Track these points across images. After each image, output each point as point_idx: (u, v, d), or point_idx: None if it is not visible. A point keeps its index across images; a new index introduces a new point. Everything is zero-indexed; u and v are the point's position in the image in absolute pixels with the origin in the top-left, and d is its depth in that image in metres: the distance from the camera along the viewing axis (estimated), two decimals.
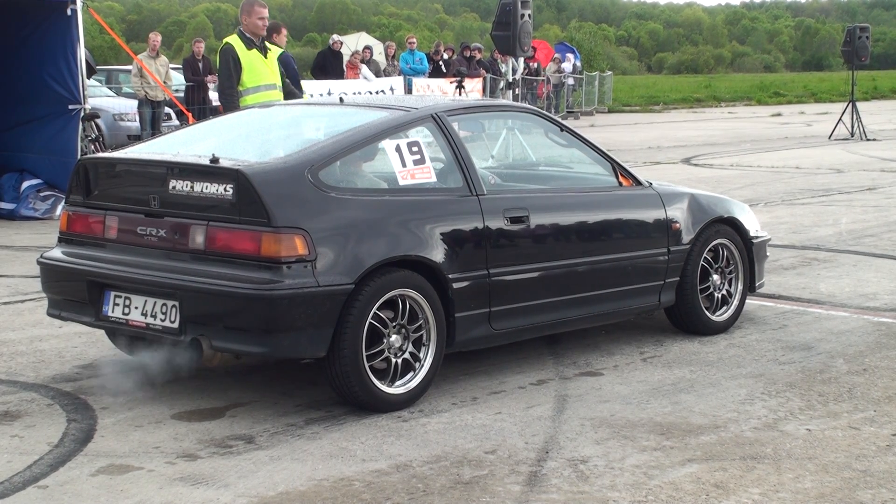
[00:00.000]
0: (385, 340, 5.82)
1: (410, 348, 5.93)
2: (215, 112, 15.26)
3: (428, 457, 5.18)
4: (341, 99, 7.16)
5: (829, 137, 25.34)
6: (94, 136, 13.44)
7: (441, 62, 26.48)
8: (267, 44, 10.38)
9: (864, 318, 7.96)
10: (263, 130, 6.82)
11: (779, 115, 37.10)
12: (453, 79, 24.31)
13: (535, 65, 30.11)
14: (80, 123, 13.10)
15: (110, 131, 19.88)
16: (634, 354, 6.98)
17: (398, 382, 5.87)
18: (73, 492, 4.75)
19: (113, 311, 6.04)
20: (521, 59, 19.08)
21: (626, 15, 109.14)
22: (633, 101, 45.21)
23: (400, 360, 5.89)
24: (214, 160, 5.71)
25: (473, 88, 25.53)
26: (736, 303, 7.66)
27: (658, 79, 72.04)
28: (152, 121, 20.50)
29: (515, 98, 18.15)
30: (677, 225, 7.28)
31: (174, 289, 5.73)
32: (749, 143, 24.96)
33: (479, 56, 28.00)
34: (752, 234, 7.75)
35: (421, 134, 6.38)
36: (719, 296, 7.57)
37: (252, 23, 10.13)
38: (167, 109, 21.14)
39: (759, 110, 41.79)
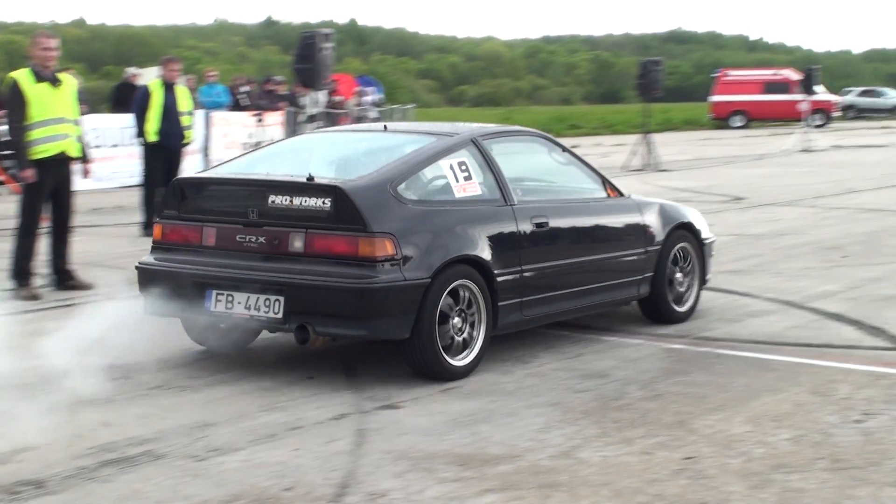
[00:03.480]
0: (450, 323, 7.11)
1: (468, 329, 7.25)
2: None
3: (225, 496, 5.11)
4: (385, 126, 8.80)
5: (624, 168, 26.05)
6: None
7: (241, 95, 26.26)
8: (60, 75, 10.14)
9: (656, 345, 8.20)
10: (330, 153, 8.27)
11: (576, 146, 37.94)
12: (253, 112, 24.13)
13: (338, 98, 30.13)
14: None
15: None
16: (433, 386, 7.02)
17: (459, 357, 7.19)
18: None
19: (216, 307, 7.20)
20: (323, 92, 19.08)
21: (427, 48, 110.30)
22: None
23: (460, 339, 7.20)
24: (311, 178, 6.98)
25: (274, 122, 25.38)
26: (694, 296, 9.09)
27: (459, 111, 72.97)
28: None
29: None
30: (651, 229, 8.73)
31: (280, 285, 6.92)
32: None
33: (280, 89, 27.88)
34: (703, 235, 9.22)
35: (465, 154, 7.70)
36: (682, 290, 8.95)
37: (38, 54, 9.91)
38: None
39: None
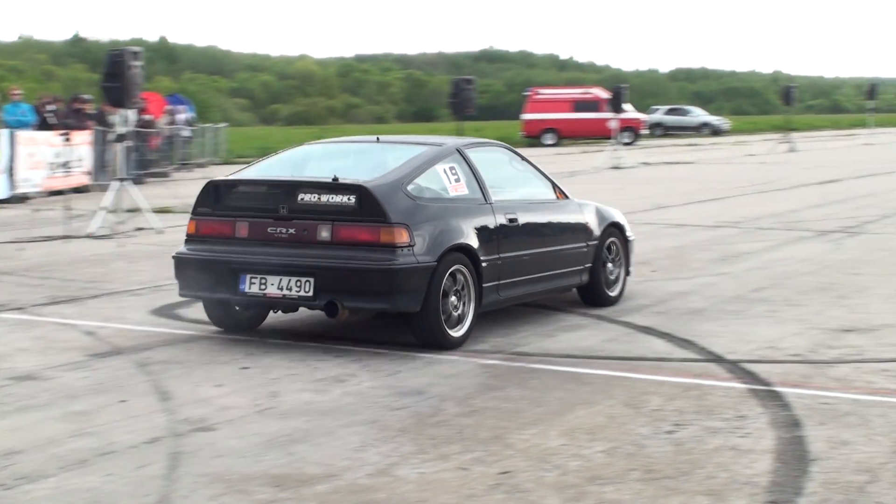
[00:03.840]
0: (449, 300, 8.54)
1: (462, 307, 8.68)
2: None
3: None
4: (378, 138, 9.95)
5: None
6: None
7: (48, 114, 25.56)
8: None
9: (472, 360, 8.27)
10: (340, 158, 9.76)
11: None
12: (60, 132, 23.50)
13: (147, 117, 29.59)
14: None
15: None
16: (249, 407, 6.94)
17: (455, 329, 8.61)
18: None
19: (250, 289, 8.52)
20: (133, 111, 18.72)
21: (240, 67, 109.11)
22: (248, 152, 45.21)
23: (456, 315, 8.62)
24: (335, 179, 8.45)
25: (82, 141, 24.77)
26: (622, 283, 10.76)
27: (272, 130, 72.39)
28: None
29: (128, 150, 17.81)
30: (591, 226, 10.35)
31: (311, 268, 8.32)
32: None
33: (88, 108, 27.24)
34: (627, 233, 10.93)
35: (454, 160, 9.22)
36: (613, 277, 10.63)
37: None
38: None
39: None
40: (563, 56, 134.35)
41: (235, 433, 6.39)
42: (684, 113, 68.67)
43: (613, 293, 10.62)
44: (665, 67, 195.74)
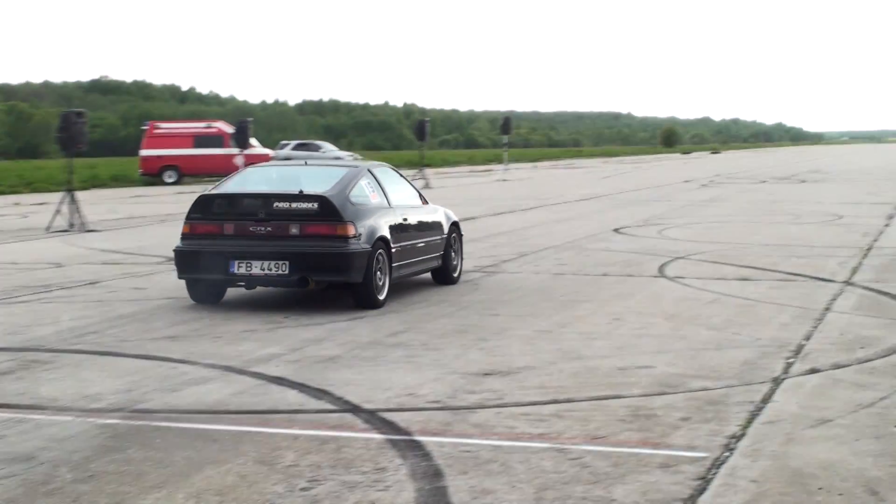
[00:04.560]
0: (377, 274, 13.13)
1: (383, 279, 13.35)
2: None
3: None
4: (306, 162, 16.17)
5: (48, 229, 25.47)
6: None
7: None
8: None
9: (88, 420, 8.04)
10: (289, 177, 14.44)
11: None
12: None
13: None
14: None
15: None
16: None
17: (379, 294, 13.25)
18: None
19: (238, 270, 12.89)
20: None
21: None
22: None
23: (380, 284, 13.27)
24: (301, 192, 13.03)
25: None
26: (459, 268, 15.87)
27: None
28: None
29: None
30: (443, 224, 15.39)
31: (287, 254, 12.75)
32: None
33: None
34: (461, 230, 16.14)
35: (368, 176, 14.00)
36: (454, 263, 15.69)
37: None
38: None
39: None
40: (184, 87, 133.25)
41: None
42: (315, 148, 69.35)
43: (455, 274, 15.72)
44: (293, 99, 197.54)
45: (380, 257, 13.27)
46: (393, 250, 13.60)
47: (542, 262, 18.31)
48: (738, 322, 12.22)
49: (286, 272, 12.80)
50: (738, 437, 7.56)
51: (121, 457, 7.14)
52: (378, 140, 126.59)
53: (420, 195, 15.39)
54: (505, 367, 9.89)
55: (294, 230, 12.90)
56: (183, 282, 13.83)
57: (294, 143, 70.25)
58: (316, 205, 12.92)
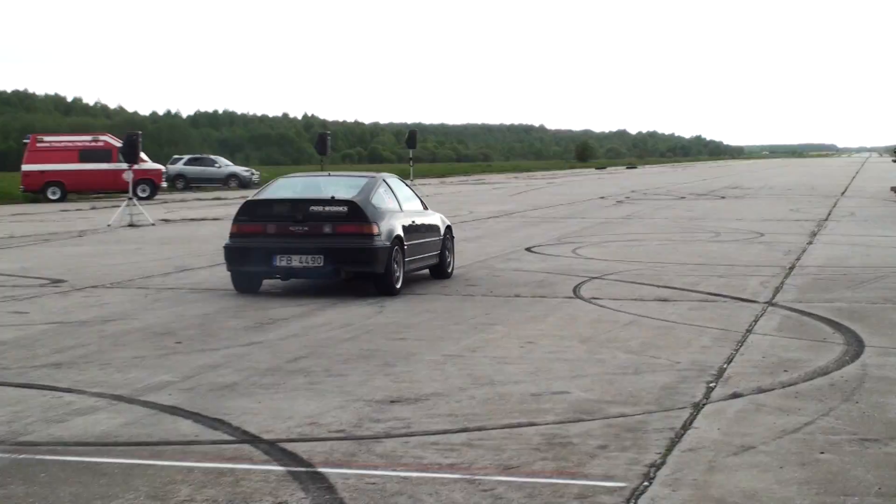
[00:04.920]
0: (395, 266, 16.62)
1: (398, 271, 16.81)
2: None
3: None
4: (329, 173, 19.76)
5: None
6: None
7: None
8: None
9: None
10: (317, 185, 17.87)
11: None
12: None
13: None
14: None
15: None
16: None
17: (396, 284, 16.71)
18: None
19: (279, 263, 16.26)
20: None
21: None
22: None
23: (397, 276, 16.75)
24: (333, 197, 16.65)
25: None
26: (452, 265, 19.17)
27: None
28: None
29: None
30: (440, 227, 18.75)
31: (322, 249, 16.26)
32: None
33: None
34: (453, 233, 19.60)
35: (384, 185, 17.65)
36: (449, 260, 18.96)
37: None
38: None
39: None
40: (69, 97, 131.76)
41: None
42: (209, 163, 69.07)
43: (449, 270, 19.16)
44: (186, 110, 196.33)
45: (396, 252, 16.84)
46: (405, 247, 17.18)
47: (451, 283, 18.37)
48: (657, 345, 12.34)
49: (321, 264, 16.39)
50: (657, 466, 7.63)
51: (1, 493, 7.02)
52: (276, 154, 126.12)
53: (422, 202, 19.09)
54: (412, 394, 9.89)
55: (327, 229, 16.53)
56: (65, 310, 14.63)
57: (186, 157, 69.84)
58: (345, 208, 16.58)
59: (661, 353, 11.87)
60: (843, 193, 52.96)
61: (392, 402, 9.61)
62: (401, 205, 17.76)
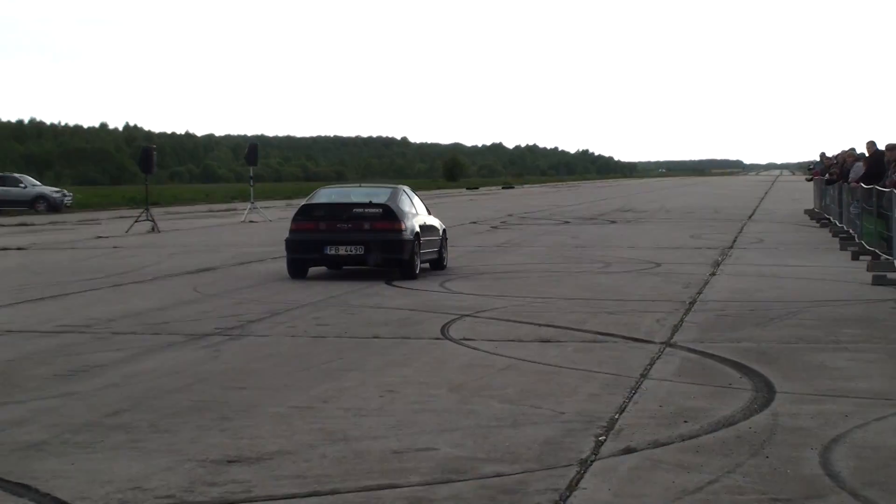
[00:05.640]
0: (416, 255, 26.57)
1: (417, 260, 26.83)
2: None
3: None
4: (360, 184, 33.20)
5: None
6: None
7: None
8: None
9: None
10: (356, 193, 28.09)
11: None
12: None
13: None
14: None
15: None
16: None
17: (416, 270, 26.58)
18: None
19: (330, 252, 26.12)
20: None
21: None
22: None
23: (417, 263, 26.61)
24: (371, 202, 26.67)
25: None
26: (446, 261, 29.02)
27: None
28: None
29: None
30: (439, 229, 29.02)
31: (362, 241, 26.09)
32: None
33: None
34: (447, 234, 30.14)
35: (405, 193, 28.14)
36: (444, 256, 29.06)
37: None
38: None
39: None
40: None
41: None
42: (13, 183, 68.24)
43: (444, 264, 28.18)
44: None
45: (416, 245, 25.77)
46: (421, 241, 26.24)
47: (299, 321, 18.32)
48: (538, 392, 12.41)
49: (361, 252, 25.57)
50: None
51: None
52: (93, 172, 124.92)
53: (428, 208, 28.80)
54: (253, 453, 9.84)
55: (366, 226, 25.66)
56: None
57: None
58: (380, 210, 25.83)
59: (542, 402, 11.93)
60: (750, 217, 54.03)
61: (230, 461, 9.55)
62: (416, 209, 27.29)
